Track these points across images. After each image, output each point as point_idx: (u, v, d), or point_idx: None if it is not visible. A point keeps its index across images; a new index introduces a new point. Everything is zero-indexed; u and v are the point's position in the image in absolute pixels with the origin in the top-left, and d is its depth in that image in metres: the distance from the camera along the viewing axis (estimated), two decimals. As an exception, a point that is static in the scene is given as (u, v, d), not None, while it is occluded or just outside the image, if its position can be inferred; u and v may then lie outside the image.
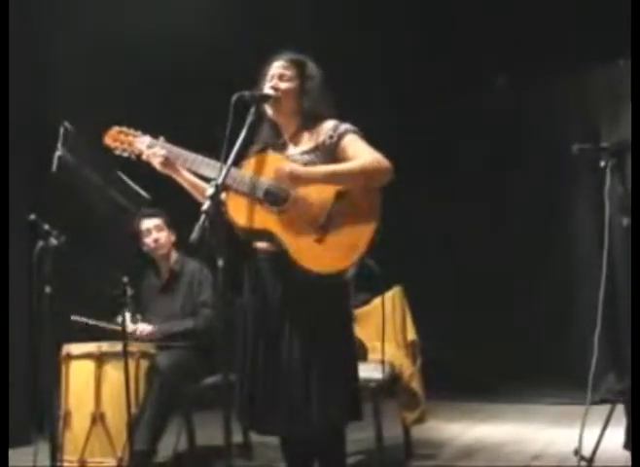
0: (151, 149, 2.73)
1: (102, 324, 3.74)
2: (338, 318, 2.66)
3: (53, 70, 5.10)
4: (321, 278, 2.53)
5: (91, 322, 3.76)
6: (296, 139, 2.73)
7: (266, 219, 2.57)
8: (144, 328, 3.84)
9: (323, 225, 2.54)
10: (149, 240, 4.05)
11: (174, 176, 2.78)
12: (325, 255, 2.53)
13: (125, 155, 2.78)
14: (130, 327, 3.78)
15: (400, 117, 5.96)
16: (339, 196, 2.57)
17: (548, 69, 5.61)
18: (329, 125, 2.66)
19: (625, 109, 5.27)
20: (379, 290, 3.77)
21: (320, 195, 2.57)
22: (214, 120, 2.65)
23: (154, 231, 4.05)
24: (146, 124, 2.86)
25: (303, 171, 2.56)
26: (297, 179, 2.55)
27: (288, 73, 2.71)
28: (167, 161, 2.71)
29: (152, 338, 3.84)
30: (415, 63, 5.86)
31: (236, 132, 2.51)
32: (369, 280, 3.43)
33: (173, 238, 4.10)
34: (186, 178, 2.78)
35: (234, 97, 2.51)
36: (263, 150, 2.70)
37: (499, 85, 6.05)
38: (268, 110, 2.70)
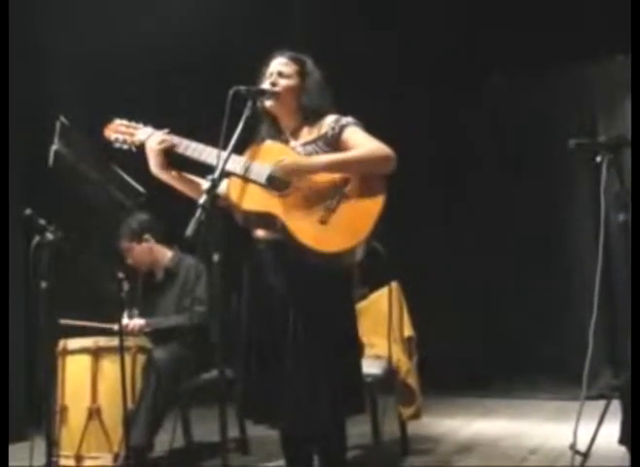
0: (153, 135, 2.72)
1: (94, 324, 3.71)
2: (342, 307, 2.66)
3: (50, 65, 5.09)
4: (323, 264, 2.53)
5: (82, 323, 3.73)
6: (296, 135, 2.73)
7: (268, 202, 2.57)
8: (135, 322, 3.81)
9: (327, 207, 2.54)
10: (129, 262, 4.03)
11: (163, 174, 2.75)
12: (329, 235, 2.52)
13: (125, 147, 2.77)
14: (123, 322, 3.78)
15: (399, 114, 5.95)
16: (344, 179, 2.58)
17: (545, 65, 5.62)
18: (330, 118, 2.68)
19: (622, 104, 5.29)
20: (387, 276, 3.77)
21: (324, 178, 2.58)
22: (212, 116, 2.65)
23: (126, 253, 4.01)
24: (144, 119, 2.85)
25: (306, 163, 2.57)
26: (299, 172, 2.55)
27: (288, 70, 2.71)
28: (167, 148, 2.70)
29: (142, 331, 3.80)
30: (414, 61, 5.86)
31: (233, 127, 2.51)
32: (376, 265, 3.42)
33: (151, 244, 4.02)
34: (176, 175, 2.77)
35: (231, 92, 2.52)
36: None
37: (495, 81, 6.04)
38: (269, 106, 2.70)
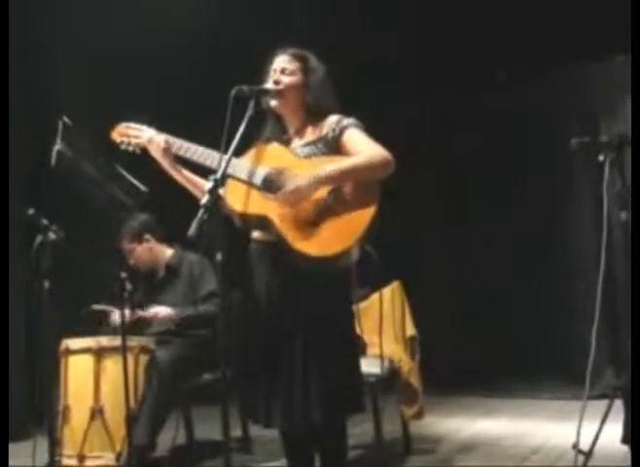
0: (152, 138, 2.75)
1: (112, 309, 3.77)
2: (339, 308, 2.66)
3: (52, 65, 5.09)
4: (320, 266, 2.53)
5: (109, 307, 3.79)
6: (300, 133, 2.73)
7: (263, 205, 2.58)
8: (161, 310, 3.82)
9: (321, 210, 2.54)
10: (131, 262, 4.05)
11: (172, 172, 2.79)
12: (322, 238, 2.52)
13: (131, 149, 2.80)
14: (147, 311, 3.81)
15: (400, 114, 5.96)
16: None
17: (546, 64, 5.61)
18: (333, 118, 2.67)
19: (623, 104, 5.29)
20: (379, 278, 3.77)
21: None
22: (214, 117, 2.65)
23: (127, 254, 4.05)
24: (145, 119, 2.86)
25: (306, 185, 2.54)
26: (301, 194, 2.54)
27: (291, 67, 2.71)
28: (167, 148, 2.72)
29: (168, 320, 3.83)
30: (414, 61, 5.85)
31: (236, 127, 2.52)
32: (368, 269, 3.43)
33: (151, 244, 4.05)
34: (184, 175, 2.79)
35: (233, 91, 2.51)
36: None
37: (498, 81, 6.04)
38: (273, 104, 2.70)
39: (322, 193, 2.56)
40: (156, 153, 2.75)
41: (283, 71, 2.70)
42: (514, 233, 5.96)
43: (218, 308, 3.73)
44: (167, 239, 4.12)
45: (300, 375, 2.54)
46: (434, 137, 6.22)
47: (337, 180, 2.56)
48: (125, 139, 2.79)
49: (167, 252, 4.10)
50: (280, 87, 2.68)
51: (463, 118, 6.12)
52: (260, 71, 2.76)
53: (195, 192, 2.79)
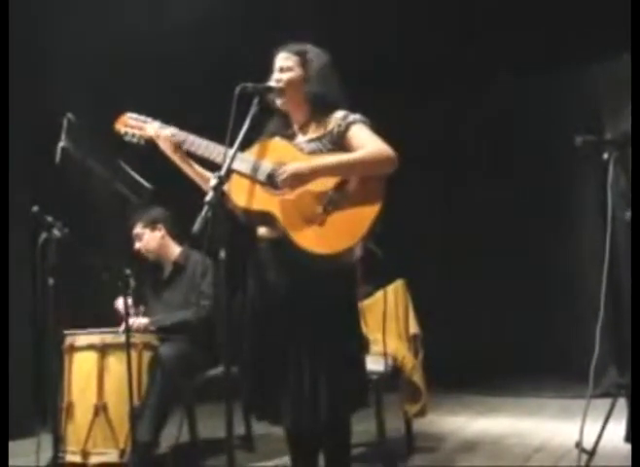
0: (159, 131, 2.76)
1: (98, 331, 3.70)
2: (344, 304, 2.66)
3: (55, 61, 5.10)
4: (323, 262, 2.53)
5: (87, 331, 3.72)
6: (305, 129, 2.74)
7: (267, 201, 2.58)
8: (140, 321, 3.82)
9: (325, 208, 2.54)
10: (137, 247, 4.07)
11: (182, 165, 2.79)
12: (326, 236, 2.52)
13: (135, 140, 2.81)
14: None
15: (401, 113, 5.95)
16: (342, 179, 2.58)
17: (551, 62, 5.60)
18: (339, 114, 2.67)
19: (628, 103, 5.27)
20: (382, 275, 3.76)
21: (323, 179, 2.58)
22: (217, 113, 2.66)
23: (136, 239, 4.08)
24: (149, 114, 2.87)
25: (306, 169, 2.55)
26: (300, 178, 2.55)
27: (288, 64, 2.72)
28: (176, 142, 2.73)
29: (147, 330, 3.80)
30: (416, 60, 5.85)
31: (240, 124, 2.52)
32: (372, 266, 3.43)
33: (162, 234, 4.07)
34: (194, 169, 2.80)
35: (238, 89, 2.52)
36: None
37: (501, 80, 6.03)
38: (278, 103, 2.71)
39: (326, 187, 2.56)
40: (164, 146, 2.76)
41: (282, 69, 2.71)
42: (515, 231, 5.96)
43: (204, 311, 3.77)
44: (177, 238, 4.13)
45: (307, 371, 2.54)
46: (435, 137, 6.21)
47: (337, 171, 2.57)
48: (130, 130, 2.80)
49: (176, 249, 4.11)
50: (281, 84, 2.69)
51: (468, 117, 6.12)
52: (263, 69, 2.76)
53: (206, 187, 2.78)
